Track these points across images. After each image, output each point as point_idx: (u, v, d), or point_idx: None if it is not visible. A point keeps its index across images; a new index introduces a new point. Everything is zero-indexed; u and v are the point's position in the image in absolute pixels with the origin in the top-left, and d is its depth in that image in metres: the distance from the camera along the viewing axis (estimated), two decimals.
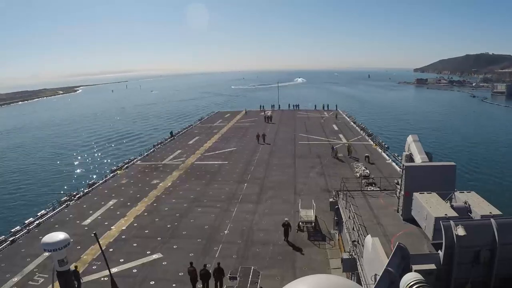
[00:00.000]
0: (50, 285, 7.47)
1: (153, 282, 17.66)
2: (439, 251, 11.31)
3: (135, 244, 21.51)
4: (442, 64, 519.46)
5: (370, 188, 24.81)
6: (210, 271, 16.93)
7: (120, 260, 19.54)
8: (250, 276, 16.15)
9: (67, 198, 29.10)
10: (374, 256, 12.41)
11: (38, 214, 25.95)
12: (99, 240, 16.14)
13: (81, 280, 16.30)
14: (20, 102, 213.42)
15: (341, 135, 51.59)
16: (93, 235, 12.47)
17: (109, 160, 62.91)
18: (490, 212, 12.14)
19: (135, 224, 24.34)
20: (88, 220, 25.16)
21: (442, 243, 11.03)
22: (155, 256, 20.05)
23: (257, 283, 15.87)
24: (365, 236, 14.04)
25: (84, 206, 27.85)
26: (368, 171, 32.52)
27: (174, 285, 17.45)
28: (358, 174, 31.87)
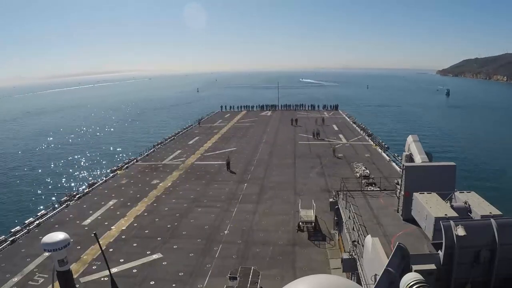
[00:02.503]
0: (50, 285, 7.46)
1: (153, 282, 17.65)
2: (439, 251, 11.30)
3: (135, 244, 21.50)
4: (471, 64, 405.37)
5: (370, 188, 24.81)
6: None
7: (120, 260, 19.52)
8: (250, 276, 16.14)
9: (67, 198, 29.07)
10: (374, 256, 12.41)
11: (38, 214, 25.90)
12: (99, 240, 16.15)
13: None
14: None
15: (341, 135, 51.64)
16: (93, 235, 12.45)
17: (109, 160, 62.89)
18: (490, 212, 12.12)
19: (135, 224, 24.34)
20: (88, 220, 25.16)
21: (442, 243, 11.02)
22: (155, 256, 20.04)
23: (257, 283, 15.86)
24: (365, 236, 14.04)
25: (84, 206, 27.84)
26: (368, 171, 32.52)
27: (174, 285, 17.43)
28: (358, 174, 31.89)
